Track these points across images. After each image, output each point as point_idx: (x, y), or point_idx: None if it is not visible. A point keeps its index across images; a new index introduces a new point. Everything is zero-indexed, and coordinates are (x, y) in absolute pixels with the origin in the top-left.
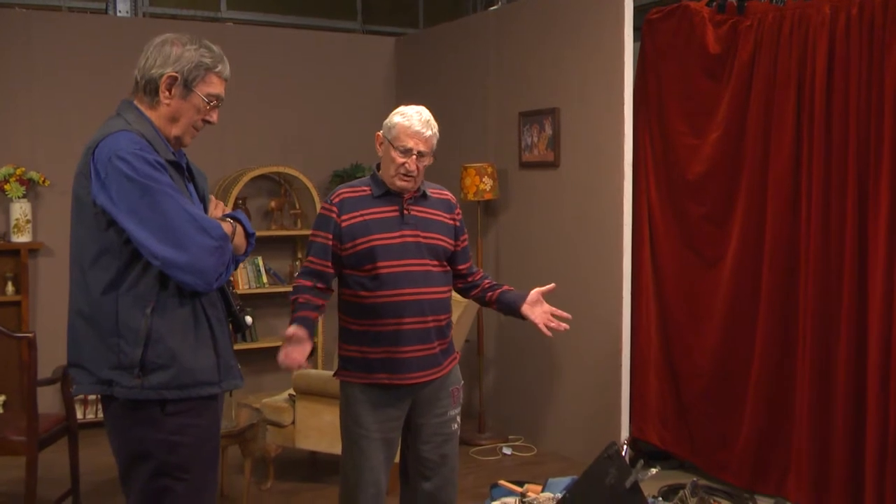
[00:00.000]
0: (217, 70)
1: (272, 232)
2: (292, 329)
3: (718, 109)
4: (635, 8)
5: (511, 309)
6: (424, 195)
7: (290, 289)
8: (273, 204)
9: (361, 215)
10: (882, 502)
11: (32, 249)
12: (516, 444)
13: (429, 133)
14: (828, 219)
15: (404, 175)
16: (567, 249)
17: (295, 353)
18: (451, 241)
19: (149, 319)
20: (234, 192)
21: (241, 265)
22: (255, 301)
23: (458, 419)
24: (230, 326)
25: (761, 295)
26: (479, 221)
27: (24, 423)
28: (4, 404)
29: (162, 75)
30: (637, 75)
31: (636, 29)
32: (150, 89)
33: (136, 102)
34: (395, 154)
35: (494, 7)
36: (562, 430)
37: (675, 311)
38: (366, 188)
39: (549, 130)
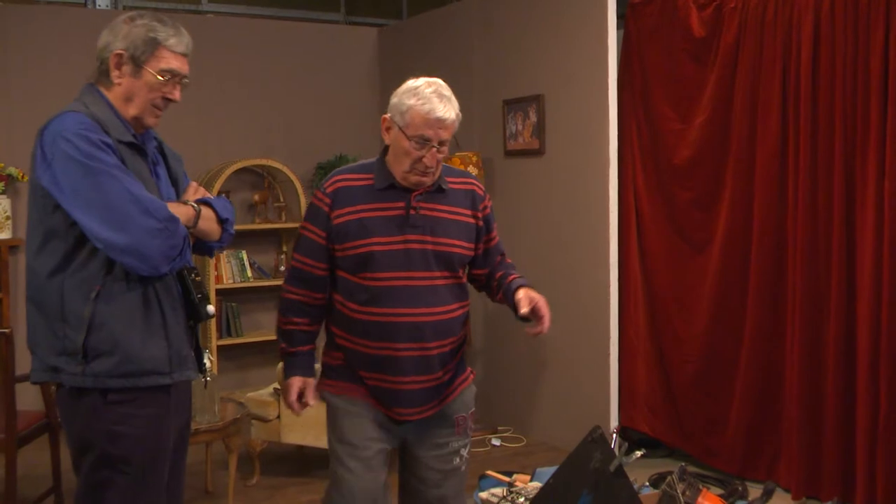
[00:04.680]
0: (168, 44)
1: (256, 225)
2: (292, 395)
3: (704, 93)
4: None
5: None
6: (441, 188)
7: (274, 283)
8: (257, 197)
9: (357, 212)
10: (873, 486)
11: (12, 246)
12: (505, 434)
13: (451, 116)
14: (815, 201)
15: (422, 172)
16: (554, 237)
17: (298, 401)
18: (471, 246)
19: (93, 304)
20: (217, 186)
21: (224, 258)
22: (239, 295)
23: (465, 453)
24: (189, 318)
25: (750, 279)
26: None
27: (2, 420)
28: None
29: (110, 54)
30: (621, 60)
31: (619, 17)
32: (103, 69)
33: (97, 84)
34: (408, 146)
35: None
36: (551, 420)
37: (663, 297)
38: (368, 177)
39: (533, 118)
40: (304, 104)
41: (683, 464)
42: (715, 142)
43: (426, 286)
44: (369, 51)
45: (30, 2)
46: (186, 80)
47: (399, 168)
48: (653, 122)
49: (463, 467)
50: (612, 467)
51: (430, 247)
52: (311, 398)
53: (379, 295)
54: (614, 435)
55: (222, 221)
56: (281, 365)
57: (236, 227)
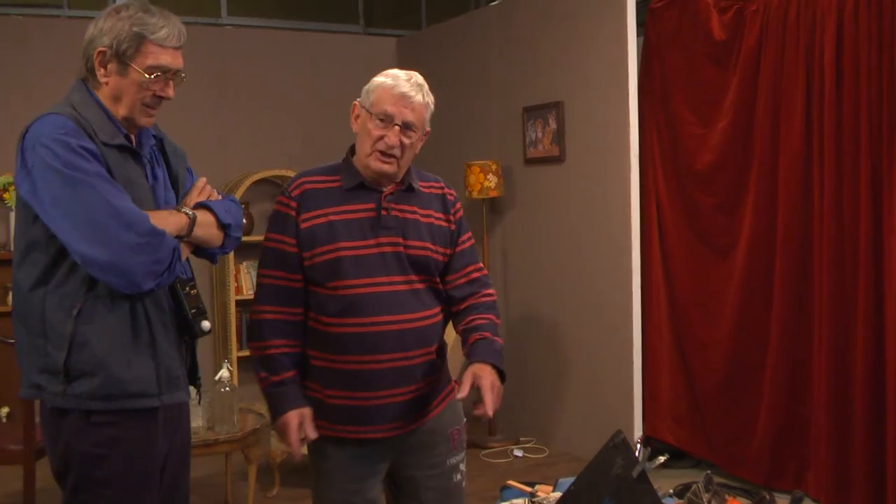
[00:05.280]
0: (156, 37)
1: None
2: (292, 434)
3: (726, 97)
4: (637, 4)
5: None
6: (411, 188)
7: None
8: None
9: (325, 215)
10: None
11: None
12: (528, 445)
13: (419, 98)
14: (841, 204)
15: (382, 154)
16: (575, 245)
17: (296, 441)
18: (446, 251)
19: (74, 322)
20: (237, 197)
21: (244, 269)
22: None
23: (463, 467)
24: (183, 333)
25: (775, 284)
26: (485, 220)
27: (20, 432)
28: (8, 415)
29: (94, 51)
30: (641, 65)
31: (639, 24)
32: (89, 67)
33: (87, 81)
34: (371, 125)
35: (495, 2)
36: (574, 430)
37: (687, 304)
38: (335, 178)
39: (553, 125)
40: (323, 115)
41: (709, 472)
42: (737, 146)
43: (406, 291)
44: (388, 61)
45: (51, 17)
46: (182, 75)
47: (362, 154)
48: (674, 128)
49: (463, 483)
50: (634, 473)
51: (403, 250)
52: (311, 431)
53: (355, 304)
54: (638, 445)
55: (224, 227)
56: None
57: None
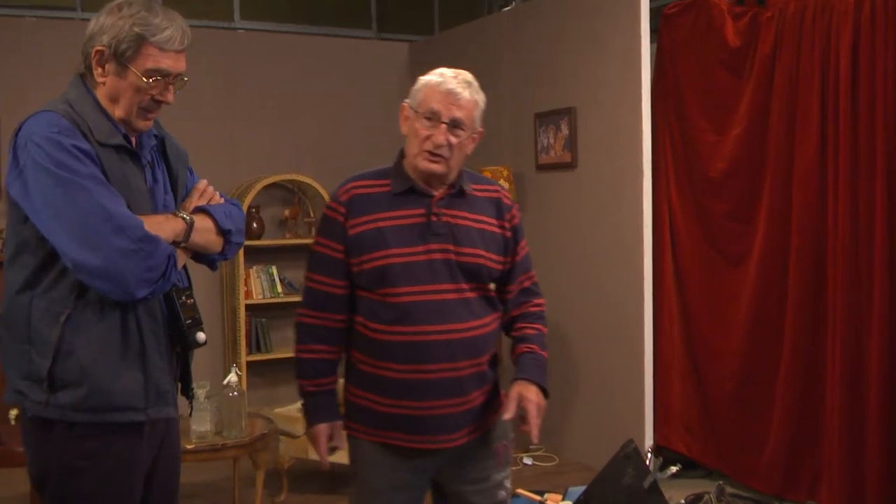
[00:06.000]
0: (157, 40)
1: (287, 241)
2: (322, 445)
3: (740, 104)
4: (651, 10)
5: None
6: (462, 192)
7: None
8: (287, 212)
9: (374, 221)
10: None
11: None
12: (537, 453)
13: (466, 95)
14: (856, 213)
15: (430, 154)
16: (586, 252)
17: (325, 452)
18: (500, 258)
19: (61, 329)
20: (248, 201)
21: (254, 274)
22: (269, 311)
23: (508, 484)
24: (175, 344)
25: (788, 294)
26: None
27: None
28: (17, 418)
29: (92, 49)
30: (655, 71)
31: (652, 31)
32: (87, 65)
33: (85, 78)
34: (418, 125)
35: (508, 7)
36: (584, 438)
37: (699, 313)
38: (384, 182)
39: (565, 131)
40: (335, 119)
41: (721, 482)
42: (751, 153)
43: (456, 300)
44: (400, 66)
45: (65, 19)
46: (184, 79)
47: (411, 155)
48: (687, 135)
49: (508, 501)
50: (646, 483)
51: (453, 256)
52: (340, 442)
53: (405, 312)
54: (649, 454)
55: (224, 233)
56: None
57: (266, 242)
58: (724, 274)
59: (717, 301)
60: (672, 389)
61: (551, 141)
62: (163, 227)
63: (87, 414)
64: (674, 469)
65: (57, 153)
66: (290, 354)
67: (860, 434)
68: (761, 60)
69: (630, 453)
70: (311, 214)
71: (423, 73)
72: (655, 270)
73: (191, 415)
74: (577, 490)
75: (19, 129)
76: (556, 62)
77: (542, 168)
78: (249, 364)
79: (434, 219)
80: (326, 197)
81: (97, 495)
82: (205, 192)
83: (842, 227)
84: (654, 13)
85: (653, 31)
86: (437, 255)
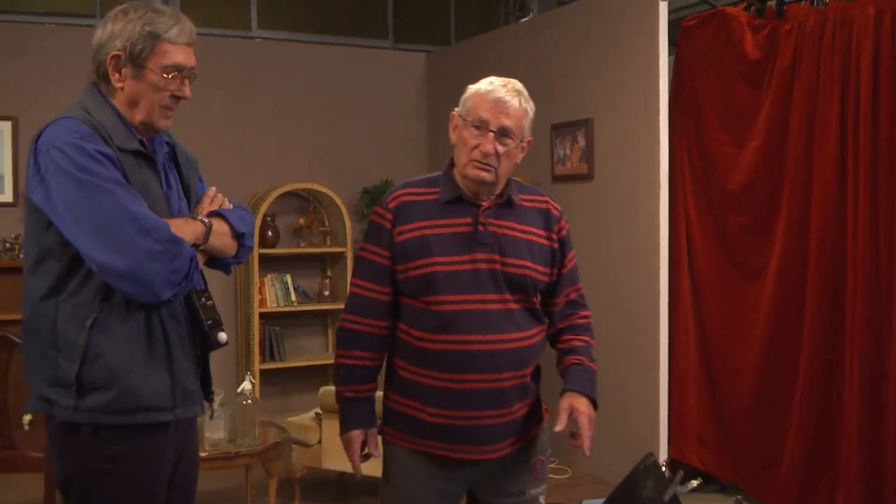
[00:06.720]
0: (169, 35)
1: (301, 249)
2: (355, 452)
3: (758, 117)
4: (669, 21)
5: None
6: (510, 202)
7: (318, 307)
8: (302, 221)
9: (420, 228)
10: None
11: None
12: (551, 466)
13: (515, 104)
14: (876, 227)
15: (479, 162)
16: (602, 264)
17: (357, 459)
18: (546, 270)
19: (87, 333)
20: (263, 209)
21: (269, 282)
22: (283, 319)
23: (543, 500)
24: (196, 346)
25: (806, 307)
26: None
27: (40, 439)
28: (30, 423)
29: (107, 56)
30: (672, 83)
31: (671, 42)
32: (101, 73)
33: (99, 85)
34: (467, 134)
35: (525, 19)
36: (598, 451)
37: (715, 326)
38: (433, 190)
39: (582, 142)
40: (351, 129)
41: (738, 497)
42: (770, 166)
43: (500, 310)
44: (417, 76)
45: (84, 26)
46: (195, 72)
47: (460, 164)
48: (705, 147)
49: None
50: (666, 497)
51: (499, 267)
52: (374, 450)
53: (448, 321)
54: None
55: (239, 236)
56: (322, 389)
57: (281, 250)
58: (742, 287)
59: (734, 315)
60: (687, 403)
61: (567, 152)
62: (184, 229)
63: (116, 416)
64: (695, 483)
65: (80, 158)
66: (304, 363)
67: (878, 449)
68: (780, 73)
69: (650, 466)
70: (327, 223)
71: (440, 83)
72: (672, 283)
73: (211, 417)
74: (592, 503)
75: (39, 136)
76: (573, 73)
77: (557, 179)
78: (263, 372)
79: (481, 228)
80: (342, 206)
81: (122, 498)
82: (215, 198)
83: (861, 240)
84: (673, 25)
85: (671, 42)
86: (483, 265)
